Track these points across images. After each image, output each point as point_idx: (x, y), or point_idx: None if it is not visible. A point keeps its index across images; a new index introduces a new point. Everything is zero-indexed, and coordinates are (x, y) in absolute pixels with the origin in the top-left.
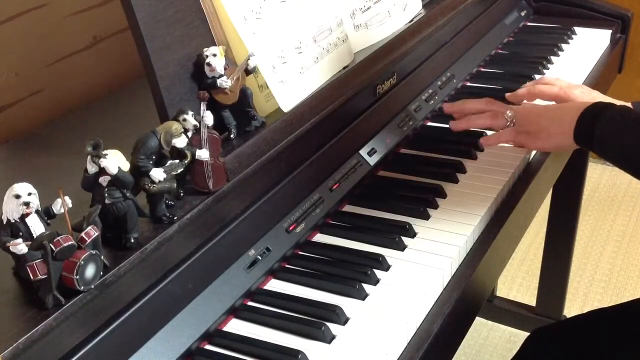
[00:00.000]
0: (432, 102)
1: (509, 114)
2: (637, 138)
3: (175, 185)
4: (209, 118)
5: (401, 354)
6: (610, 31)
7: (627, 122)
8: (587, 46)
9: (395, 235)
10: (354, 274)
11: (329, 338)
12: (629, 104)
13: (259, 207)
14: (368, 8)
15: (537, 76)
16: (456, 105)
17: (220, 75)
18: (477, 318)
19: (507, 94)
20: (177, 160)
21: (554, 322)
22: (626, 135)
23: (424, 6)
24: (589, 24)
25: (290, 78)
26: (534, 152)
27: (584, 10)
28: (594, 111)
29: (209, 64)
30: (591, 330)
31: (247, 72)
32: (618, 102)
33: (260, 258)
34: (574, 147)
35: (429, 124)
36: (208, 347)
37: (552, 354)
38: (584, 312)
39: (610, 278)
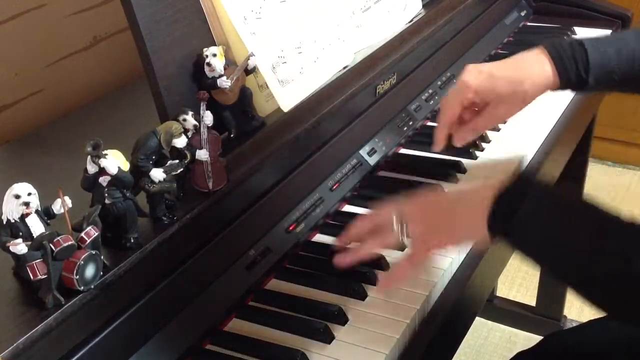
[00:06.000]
0: (432, 102)
1: (395, 225)
2: (571, 223)
3: (175, 185)
4: (208, 118)
5: (401, 354)
6: (610, 31)
7: (556, 202)
8: None
9: None
10: (354, 274)
11: (329, 338)
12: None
13: (259, 207)
14: (368, 8)
15: None
16: (349, 256)
17: (220, 75)
18: (477, 318)
19: (434, 146)
20: (177, 160)
21: (569, 328)
22: (557, 220)
23: (424, 6)
24: (589, 24)
25: (290, 78)
26: (534, 152)
27: (584, 10)
28: (513, 192)
29: (209, 64)
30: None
31: (247, 72)
32: None
33: (260, 258)
34: (488, 240)
35: (429, 124)
36: (208, 347)
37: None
38: (586, 314)
39: None
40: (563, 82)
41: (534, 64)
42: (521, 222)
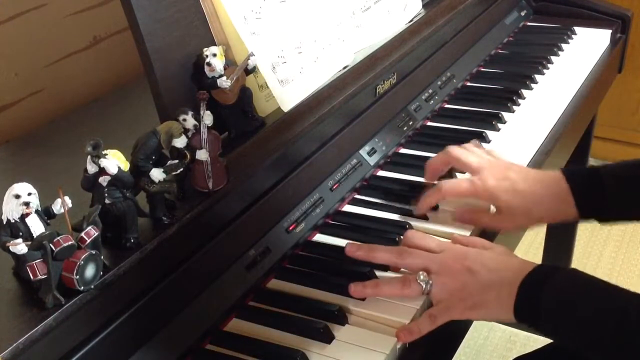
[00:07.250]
0: (432, 102)
1: (422, 277)
2: (595, 305)
3: (175, 185)
4: (208, 118)
5: (401, 354)
6: (610, 31)
7: (580, 286)
8: (587, 46)
9: (394, 236)
10: (354, 274)
11: (329, 338)
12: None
13: (259, 207)
14: (368, 8)
15: (537, 76)
16: (363, 250)
17: (220, 75)
18: None
19: (416, 209)
20: (177, 160)
21: None
22: (582, 302)
23: (424, 6)
24: (589, 24)
25: (290, 78)
26: (534, 152)
27: (584, 10)
28: (538, 278)
29: (209, 64)
30: None
31: (247, 72)
32: None
33: (260, 258)
34: (514, 322)
35: (429, 123)
36: (208, 347)
37: None
38: None
39: (610, 278)
40: (581, 208)
41: (554, 189)
42: (545, 318)
